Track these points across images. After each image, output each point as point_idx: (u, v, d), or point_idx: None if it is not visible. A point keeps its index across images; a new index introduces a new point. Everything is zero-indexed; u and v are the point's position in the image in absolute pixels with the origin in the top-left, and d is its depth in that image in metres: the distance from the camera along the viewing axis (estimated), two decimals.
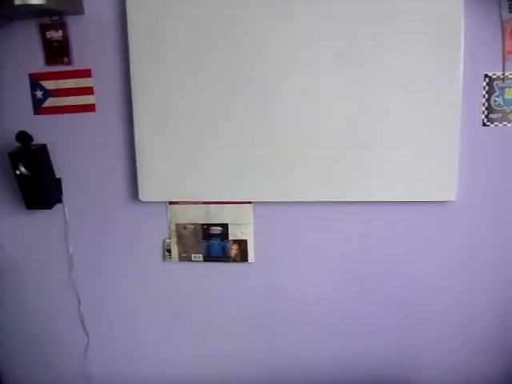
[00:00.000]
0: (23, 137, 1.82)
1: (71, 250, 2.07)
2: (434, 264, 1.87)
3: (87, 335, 2.18)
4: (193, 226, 1.96)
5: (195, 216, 1.95)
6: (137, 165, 1.88)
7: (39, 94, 1.95)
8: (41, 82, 1.94)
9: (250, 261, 1.96)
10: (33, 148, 1.86)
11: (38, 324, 2.22)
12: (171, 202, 1.95)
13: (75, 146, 1.97)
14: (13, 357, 2.29)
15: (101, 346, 2.19)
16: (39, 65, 1.93)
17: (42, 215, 2.05)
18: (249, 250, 1.95)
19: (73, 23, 1.87)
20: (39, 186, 1.89)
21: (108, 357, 2.20)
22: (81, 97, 1.93)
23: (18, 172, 1.86)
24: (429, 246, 1.85)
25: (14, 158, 1.85)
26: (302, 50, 1.72)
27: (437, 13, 1.62)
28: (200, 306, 2.05)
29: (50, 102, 1.95)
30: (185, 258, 2.00)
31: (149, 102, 1.84)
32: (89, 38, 1.88)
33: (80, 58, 1.90)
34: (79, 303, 2.14)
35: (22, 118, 1.98)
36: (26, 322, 2.23)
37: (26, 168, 1.87)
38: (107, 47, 1.87)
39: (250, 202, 1.91)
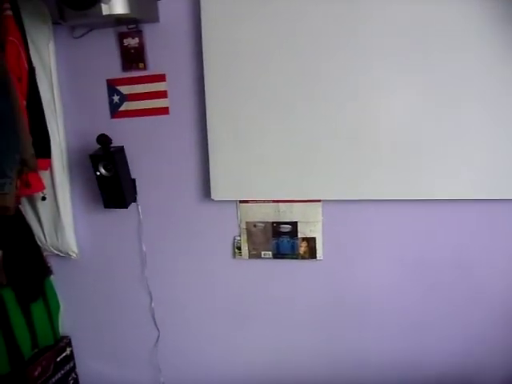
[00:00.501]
0: (103, 139, 1.91)
1: (144, 247, 2.16)
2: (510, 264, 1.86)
3: (158, 330, 2.27)
4: (263, 224, 2.01)
5: (265, 214, 2.00)
6: (209, 165, 1.95)
7: (116, 98, 2.04)
8: (117, 87, 2.03)
9: (318, 258, 2.00)
10: (112, 150, 1.94)
11: (111, 317, 2.33)
12: (242, 201, 2.01)
13: (149, 148, 2.06)
14: (87, 348, 2.41)
15: (171, 340, 2.27)
16: (116, 71, 2.02)
17: (117, 214, 2.14)
18: (317, 247, 1.99)
19: (148, 31, 1.95)
20: (117, 187, 1.98)
21: (178, 351, 2.28)
22: (155, 100, 2.01)
23: (98, 173, 1.95)
24: (504, 244, 1.84)
25: (95, 159, 1.94)
26: (375, 48, 1.73)
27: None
28: (269, 302, 2.10)
29: (125, 106, 2.04)
30: (254, 255, 2.05)
31: (221, 105, 1.90)
32: (163, 44, 1.95)
33: (155, 63, 1.98)
34: (151, 299, 2.23)
35: (100, 121, 2.08)
36: (100, 316, 2.34)
37: (105, 169, 1.96)
38: (181, 53, 1.94)
39: (318, 201, 1.94)
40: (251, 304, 2.13)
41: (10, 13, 1.79)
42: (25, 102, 1.88)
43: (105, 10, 1.67)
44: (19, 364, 2.09)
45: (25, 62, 1.85)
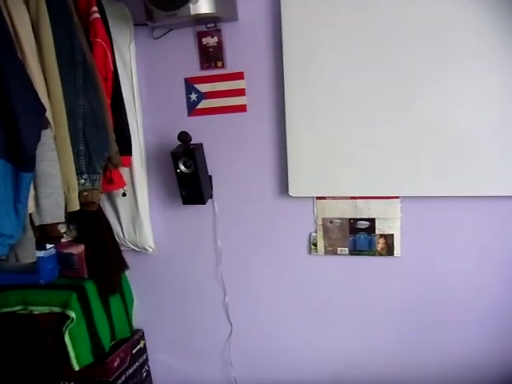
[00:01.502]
0: (184, 137, 1.95)
1: (219, 243, 2.19)
2: None
3: (231, 324, 2.29)
4: (339, 221, 2.02)
5: (342, 211, 2.00)
6: (287, 161, 1.96)
7: (193, 96, 2.08)
8: (195, 85, 2.07)
9: (396, 255, 1.98)
10: (191, 147, 1.98)
11: (184, 312, 2.37)
12: (318, 197, 2.01)
13: (226, 145, 2.09)
14: (159, 341, 2.46)
15: (243, 335, 2.30)
16: (194, 69, 2.06)
17: (192, 210, 2.19)
18: (395, 244, 1.98)
19: (227, 29, 1.98)
20: (196, 183, 2.02)
21: (250, 346, 2.30)
22: (233, 98, 2.04)
23: (178, 170, 1.99)
24: None
25: (176, 156, 1.98)
26: (454, 44, 1.71)
27: None
28: (345, 299, 2.10)
29: (203, 104, 2.08)
30: (330, 251, 2.06)
31: (300, 101, 1.91)
32: (241, 42, 1.98)
33: (233, 61, 2.01)
34: (224, 294, 2.26)
35: (177, 119, 2.12)
36: (172, 310, 2.39)
37: (184, 166, 2.00)
38: (259, 50, 1.97)
39: (397, 197, 1.93)
40: (326, 301, 2.13)
41: (97, 16, 1.85)
42: (109, 101, 1.93)
43: (193, 9, 1.70)
44: (100, 355, 2.15)
45: (110, 63, 1.91)
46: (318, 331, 2.19)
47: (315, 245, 2.07)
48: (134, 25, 2.05)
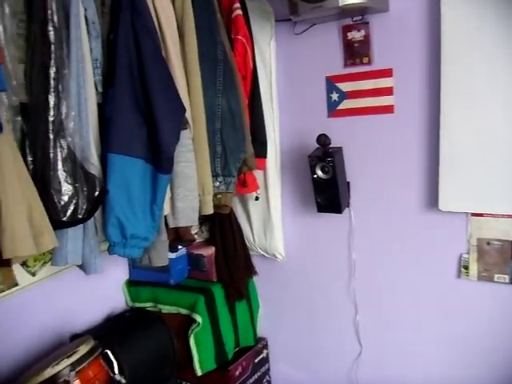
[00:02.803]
0: (323, 140, 1.81)
1: (354, 256, 2.01)
2: None
3: (360, 345, 2.10)
4: (499, 243, 1.73)
5: (503, 231, 1.72)
6: (439, 171, 1.72)
7: (335, 96, 1.93)
8: (337, 84, 1.92)
9: None
10: (330, 151, 1.83)
11: (310, 325, 2.24)
12: (474, 214, 1.74)
13: (367, 149, 1.91)
14: (281, 352, 2.35)
15: (374, 359, 2.10)
16: (336, 67, 1.92)
17: (326, 218, 2.04)
18: None
19: (376, 22, 1.80)
20: (333, 190, 1.87)
21: (380, 371, 2.10)
22: (378, 98, 1.85)
23: (315, 176, 1.85)
24: None
25: (313, 160, 1.84)
26: None
27: None
28: (498, 334, 1.79)
29: (344, 105, 1.92)
30: (485, 277, 1.78)
31: (459, 103, 1.67)
32: (392, 36, 1.80)
33: (380, 57, 1.83)
34: (356, 312, 2.08)
35: (315, 120, 2.00)
36: (298, 321, 2.27)
37: (322, 171, 1.85)
38: (411, 44, 1.76)
39: None
40: (475, 333, 1.84)
41: (239, 12, 1.78)
42: (247, 101, 1.85)
43: (341, 0, 1.54)
44: (223, 362, 2.09)
45: (250, 61, 1.83)
46: (459, 366, 1.90)
47: (466, 268, 1.80)
48: (275, 20, 1.94)
